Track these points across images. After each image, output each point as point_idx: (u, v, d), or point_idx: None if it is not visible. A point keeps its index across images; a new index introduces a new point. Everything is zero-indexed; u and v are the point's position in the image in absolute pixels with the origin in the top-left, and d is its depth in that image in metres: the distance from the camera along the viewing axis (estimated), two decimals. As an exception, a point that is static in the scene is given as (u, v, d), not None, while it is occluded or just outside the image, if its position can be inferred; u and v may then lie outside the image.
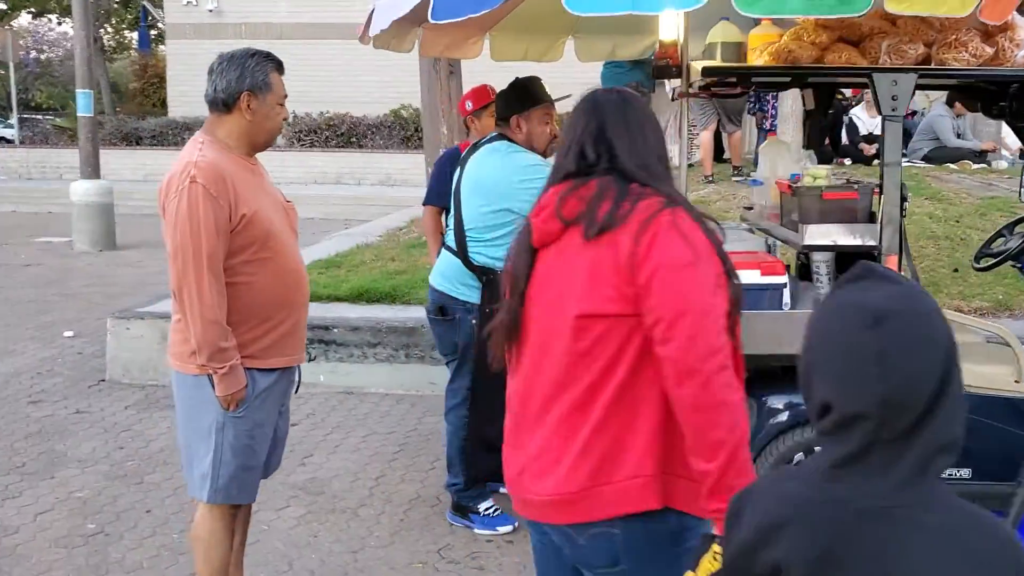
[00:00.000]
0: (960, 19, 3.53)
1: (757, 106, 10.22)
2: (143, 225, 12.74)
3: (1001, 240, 4.60)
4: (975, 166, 9.80)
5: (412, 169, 15.80)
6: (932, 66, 3.54)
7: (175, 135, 17.57)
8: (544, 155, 3.76)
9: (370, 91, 17.04)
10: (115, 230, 11.72)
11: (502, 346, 2.10)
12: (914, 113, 11.64)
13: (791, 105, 9.16)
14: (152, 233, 12.24)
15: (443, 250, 3.89)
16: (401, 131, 17.21)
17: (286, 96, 3.01)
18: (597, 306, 1.90)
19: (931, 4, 2.94)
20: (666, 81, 9.39)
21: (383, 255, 7.85)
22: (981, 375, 3.42)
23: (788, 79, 3.83)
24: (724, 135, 9.82)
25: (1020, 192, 4.66)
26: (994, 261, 4.40)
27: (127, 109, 20.46)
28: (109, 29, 26.60)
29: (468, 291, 3.75)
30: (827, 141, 9.93)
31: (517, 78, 3.83)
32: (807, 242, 3.54)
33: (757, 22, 4.19)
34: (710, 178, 9.08)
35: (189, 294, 2.72)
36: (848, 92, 10.58)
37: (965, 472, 3.42)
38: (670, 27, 3.96)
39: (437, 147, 8.12)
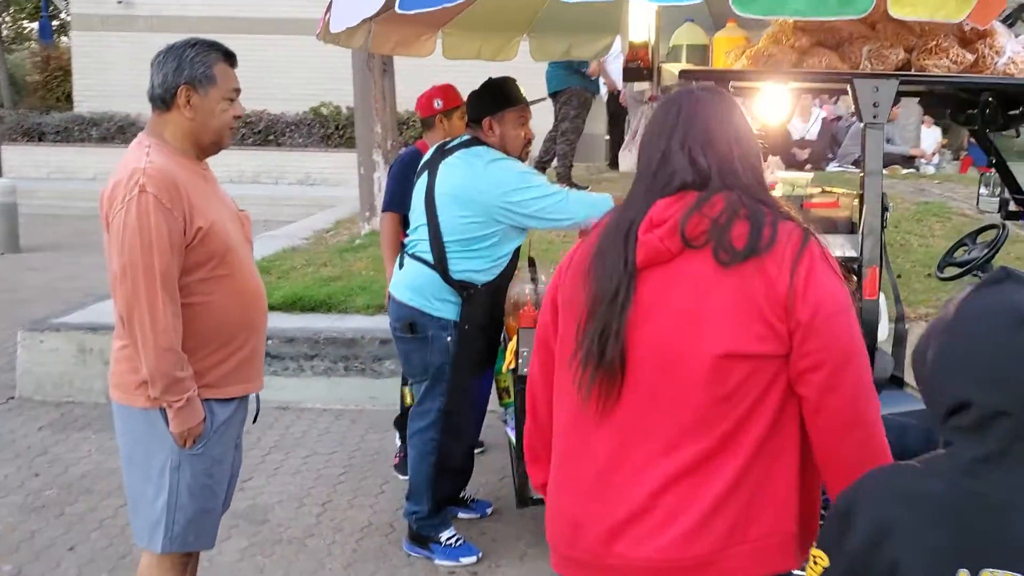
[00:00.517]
0: (940, 24, 3.45)
1: None
2: (49, 226, 12.10)
3: (963, 249, 4.56)
4: (904, 171, 9.93)
5: (332, 168, 15.40)
6: (914, 72, 3.45)
7: (81, 131, 16.86)
8: (520, 159, 3.53)
9: (288, 87, 16.54)
10: (19, 231, 11.05)
11: (586, 382, 1.73)
12: (839, 118, 11.75)
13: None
14: (59, 235, 11.72)
15: (408, 260, 3.56)
16: (321, 129, 16.79)
17: (238, 90, 2.70)
18: (746, 345, 1.63)
19: (931, 9, 2.83)
20: (602, 82, 9.30)
21: (314, 260, 7.49)
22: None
23: (765, 83, 3.69)
24: None
25: (978, 200, 4.64)
26: (959, 271, 4.36)
27: (28, 103, 19.40)
28: (7, 18, 25.32)
29: (444, 307, 3.46)
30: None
31: (490, 78, 3.57)
32: None
33: (721, 24, 4.06)
34: None
35: (140, 318, 2.39)
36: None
37: None
38: (641, 28, 3.79)
39: (371, 146, 7.84)
